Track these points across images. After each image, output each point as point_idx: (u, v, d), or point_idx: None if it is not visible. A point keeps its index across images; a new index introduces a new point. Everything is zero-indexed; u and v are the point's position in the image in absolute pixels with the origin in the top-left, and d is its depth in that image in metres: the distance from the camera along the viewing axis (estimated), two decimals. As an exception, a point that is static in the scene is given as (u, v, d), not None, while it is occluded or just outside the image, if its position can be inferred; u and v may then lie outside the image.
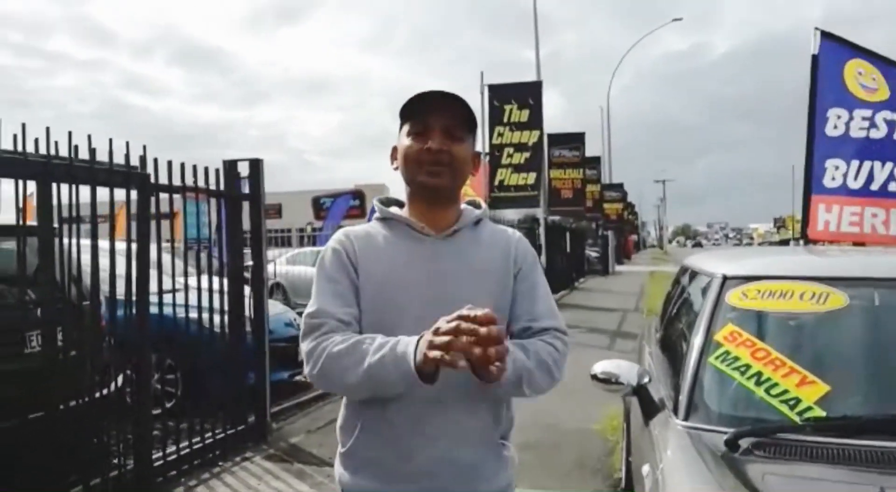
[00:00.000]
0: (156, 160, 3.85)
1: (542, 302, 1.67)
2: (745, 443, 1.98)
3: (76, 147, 3.41)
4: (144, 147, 3.71)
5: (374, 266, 1.56)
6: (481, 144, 12.63)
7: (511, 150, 12.36)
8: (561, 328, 1.66)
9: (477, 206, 1.73)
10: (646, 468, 2.29)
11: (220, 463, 4.50)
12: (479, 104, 12.34)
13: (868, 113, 4.74)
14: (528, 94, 12.40)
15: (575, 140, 19.50)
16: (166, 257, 4.80)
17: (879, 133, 4.72)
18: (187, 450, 4.29)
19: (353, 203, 30.57)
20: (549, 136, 19.33)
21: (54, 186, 3.35)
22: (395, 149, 1.65)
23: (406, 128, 1.59)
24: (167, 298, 4.21)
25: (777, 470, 1.91)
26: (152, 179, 3.81)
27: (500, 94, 12.38)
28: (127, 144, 3.62)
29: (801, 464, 1.88)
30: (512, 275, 1.64)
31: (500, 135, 12.40)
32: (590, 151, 22.21)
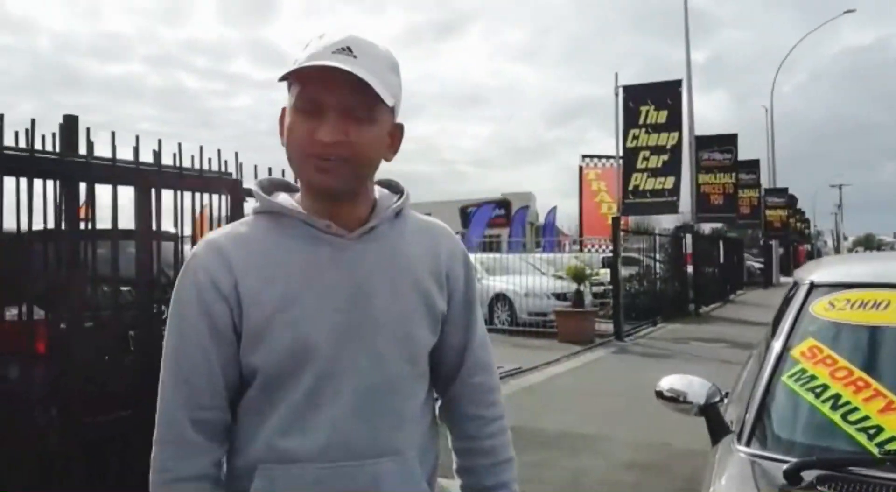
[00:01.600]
0: (247, 165, 4.02)
1: (477, 330, 1.35)
2: (808, 475, 1.69)
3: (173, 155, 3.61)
4: (236, 154, 3.88)
5: (261, 284, 1.13)
6: (615, 147, 12.20)
7: (647, 153, 11.77)
8: (496, 386, 1.38)
9: (396, 189, 1.30)
10: (695, 498, 2.03)
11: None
12: (613, 108, 11.92)
13: None
14: (666, 95, 11.78)
15: (726, 142, 18.30)
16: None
17: None
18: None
19: (497, 212, 30.93)
20: (698, 138, 18.31)
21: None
22: (283, 114, 1.18)
23: (294, 94, 1.13)
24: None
25: (840, 511, 1.61)
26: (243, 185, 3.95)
27: (636, 96, 11.85)
28: (218, 151, 3.80)
29: (872, 505, 1.57)
30: (444, 285, 1.27)
31: (636, 137, 11.85)
32: (754, 154, 20.79)
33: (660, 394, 2.43)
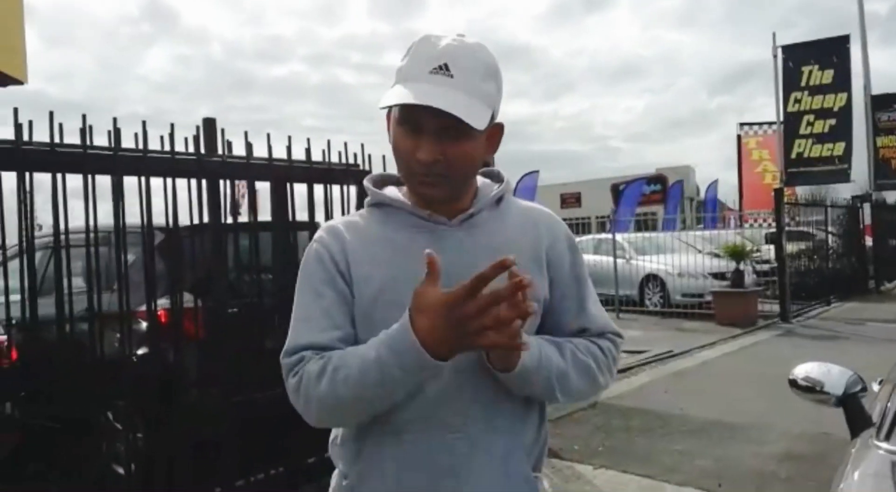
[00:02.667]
0: (370, 156, 4.13)
1: (591, 305, 1.35)
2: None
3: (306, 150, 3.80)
4: (362, 145, 4.00)
5: (370, 269, 1.23)
6: (776, 112, 11.26)
7: (811, 117, 10.71)
8: (616, 331, 1.36)
9: (497, 178, 1.36)
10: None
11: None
12: (772, 69, 10.98)
13: None
14: (832, 52, 10.64)
15: (908, 99, 16.31)
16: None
17: None
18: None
19: (651, 188, 29.71)
20: (875, 97, 16.46)
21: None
22: (388, 115, 1.25)
23: (396, 108, 1.21)
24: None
25: None
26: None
27: (797, 55, 10.80)
28: (345, 144, 3.94)
29: None
30: (544, 267, 1.30)
31: (798, 101, 10.82)
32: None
33: (793, 383, 2.23)
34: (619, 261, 12.22)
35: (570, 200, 35.33)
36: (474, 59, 1.19)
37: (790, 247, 11.87)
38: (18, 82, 4.50)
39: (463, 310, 1.03)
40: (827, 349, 8.01)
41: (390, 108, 1.22)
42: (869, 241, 15.22)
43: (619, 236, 12.74)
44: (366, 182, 1.35)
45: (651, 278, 12.11)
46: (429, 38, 1.21)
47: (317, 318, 1.22)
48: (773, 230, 11.36)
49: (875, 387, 2.54)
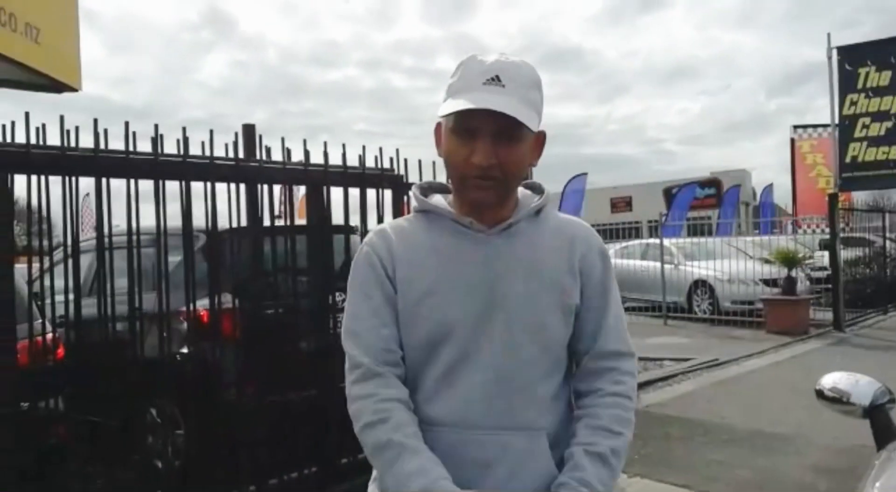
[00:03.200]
0: (407, 161, 4.18)
1: (611, 320, 1.41)
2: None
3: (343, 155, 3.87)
4: (397, 150, 4.06)
5: (414, 272, 1.33)
6: (830, 115, 10.91)
7: (867, 120, 10.32)
8: (629, 353, 1.42)
9: (538, 190, 1.45)
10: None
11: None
12: (827, 71, 10.64)
13: None
14: (890, 52, 10.24)
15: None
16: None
17: None
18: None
19: (705, 191, 29.11)
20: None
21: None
22: (438, 126, 1.36)
23: (451, 118, 1.30)
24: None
25: None
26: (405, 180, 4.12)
27: (854, 56, 10.44)
28: (380, 149, 4.00)
29: None
30: (578, 277, 1.38)
31: (854, 103, 10.44)
32: None
33: (820, 393, 2.17)
34: (667, 266, 12.02)
35: (621, 204, 34.84)
36: (521, 72, 1.29)
37: (846, 254, 11.50)
38: (73, 89, 4.69)
39: None
40: (879, 360, 7.75)
41: (440, 122, 1.34)
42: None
43: (667, 241, 12.53)
44: (413, 190, 1.45)
45: (700, 284, 11.87)
46: (476, 57, 1.31)
47: (366, 318, 1.33)
48: (827, 236, 11.03)
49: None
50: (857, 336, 9.87)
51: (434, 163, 4.45)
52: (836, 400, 2.12)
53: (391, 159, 4.19)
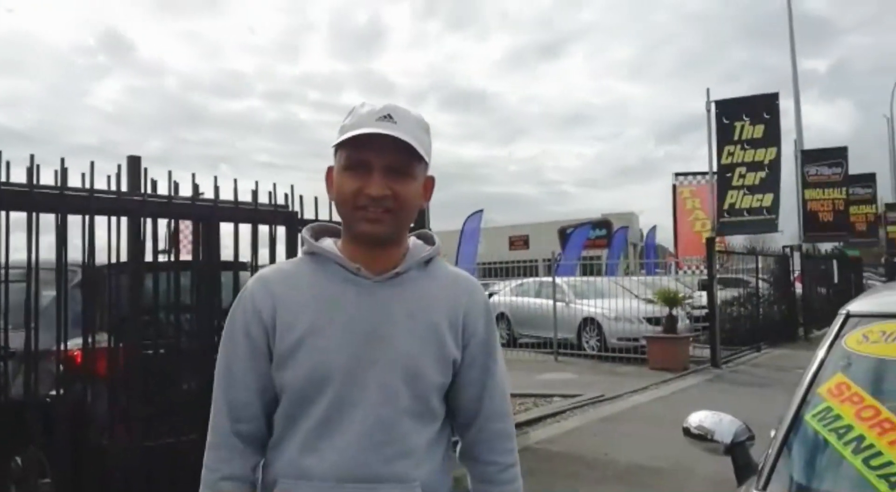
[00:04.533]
0: (302, 197, 4.15)
1: (495, 381, 1.43)
2: (819, 527, 1.55)
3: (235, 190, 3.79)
4: (292, 186, 4.02)
5: (294, 315, 1.31)
6: (709, 164, 11.70)
7: (743, 169, 11.16)
8: (511, 433, 1.47)
9: (429, 240, 1.44)
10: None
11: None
12: (706, 123, 11.44)
13: None
14: (762, 108, 11.17)
15: (835, 155, 17.13)
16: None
17: None
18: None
19: (597, 232, 30.24)
20: (804, 152, 17.30)
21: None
22: (330, 170, 1.37)
23: (343, 156, 1.31)
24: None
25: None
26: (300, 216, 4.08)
27: (730, 110, 11.31)
28: (274, 185, 3.95)
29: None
30: (460, 333, 1.38)
31: (731, 154, 11.27)
32: (877, 167, 19.26)
33: (687, 431, 2.31)
34: (559, 304, 12.38)
35: (519, 242, 35.70)
36: (412, 114, 1.35)
37: (723, 294, 12.18)
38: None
39: None
40: (753, 395, 8.21)
41: (331, 166, 1.36)
42: (799, 289, 15.77)
43: (559, 280, 12.91)
44: (304, 232, 1.42)
45: (589, 322, 12.27)
46: (366, 102, 1.35)
47: (231, 375, 1.35)
48: (706, 277, 11.69)
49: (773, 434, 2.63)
50: (733, 372, 10.44)
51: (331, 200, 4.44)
52: (701, 437, 2.25)
53: (286, 195, 4.14)
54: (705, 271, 11.78)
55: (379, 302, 1.32)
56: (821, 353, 2.08)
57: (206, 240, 3.79)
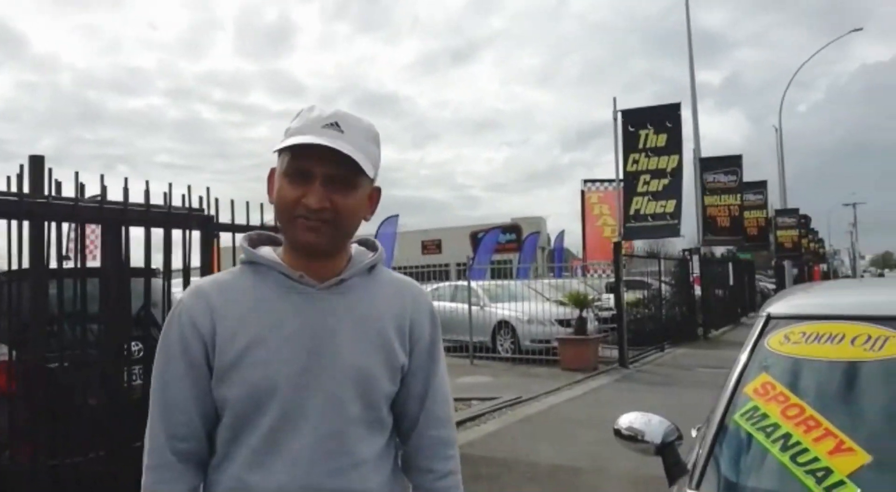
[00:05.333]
0: (218, 200, 4.00)
1: (439, 384, 1.43)
2: (752, 524, 1.60)
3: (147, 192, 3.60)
4: (207, 189, 3.87)
5: (235, 327, 1.26)
6: (615, 170, 12.12)
7: (647, 177, 11.66)
8: (452, 440, 1.45)
9: (371, 247, 1.42)
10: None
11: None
12: (613, 131, 11.86)
13: None
14: (665, 118, 11.70)
15: (731, 163, 18.13)
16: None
17: None
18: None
19: (507, 236, 30.84)
20: (702, 160, 18.20)
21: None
22: (272, 173, 1.32)
23: (285, 161, 1.26)
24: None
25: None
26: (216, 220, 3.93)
27: (635, 119, 11.79)
28: (189, 187, 3.78)
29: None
30: (407, 338, 1.37)
31: (636, 162, 11.76)
32: (767, 174, 20.43)
33: (618, 433, 2.35)
34: (474, 308, 12.47)
35: (431, 246, 35.85)
36: (361, 123, 1.29)
37: (628, 296, 12.62)
38: None
39: None
40: (660, 394, 8.53)
41: (274, 168, 1.30)
42: (698, 291, 16.53)
43: (474, 283, 13.02)
44: (241, 240, 1.38)
45: (503, 325, 12.43)
46: (316, 105, 1.30)
47: (168, 392, 1.28)
48: (613, 280, 12.08)
49: (693, 433, 2.72)
50: (640, 372, 10.83)
51: (248, 203, 4.30)
52: (632, 438, 2.30)
53: (200, 198, 3.98)
54: (611, 275, 12.18)
55: (324, 310, 1.29)
56: (744, 354, 2.16)
57: (116, 244, 3.59)
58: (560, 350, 11.16)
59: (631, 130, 11.83)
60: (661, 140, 11.68)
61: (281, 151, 1.27)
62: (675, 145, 11.74)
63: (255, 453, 1.24)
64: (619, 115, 11.79)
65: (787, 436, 1.80)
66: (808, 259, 35.51)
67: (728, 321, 18.66)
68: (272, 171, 1.32)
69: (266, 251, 1.34)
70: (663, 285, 14.68)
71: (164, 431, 1.27)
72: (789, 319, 2.15)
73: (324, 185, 1.23)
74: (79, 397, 3.54)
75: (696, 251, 16.85)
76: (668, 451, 2.21)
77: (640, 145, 11.79)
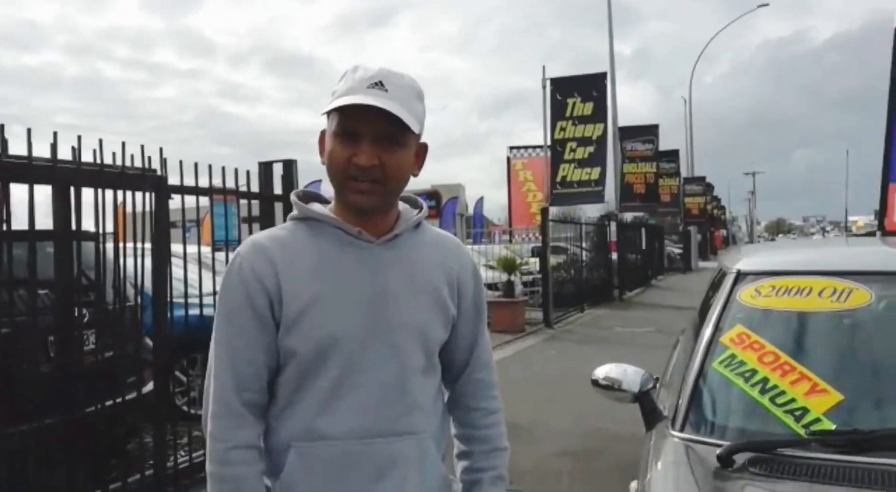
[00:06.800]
0: (187, 161, 3.88)
1: (483, 334, 1.53)
2: (740, 458, 1.76)
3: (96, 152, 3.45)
4: (160, 150, 3.74)
5: (300, 282, 1.30)
6: (543, 138, 12.36)
7: (574, 144, 11.99)
8: (496, 383, 1.56)
9: (415, 204, 1.47)
10: (633, 485, 2.09)
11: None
12: (536, 97, 12.09)
13: None
14: (591, 87, 12.01)
15: (648, 132, 18.83)
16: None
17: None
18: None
19: (428, 203, 30.83)
20: (621, 129, 18.77)
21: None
22: (322, 134, 1.36)
23: (334, 122, 1.30)
24: (209, 300, 4.27)
25: (771, 489, 1.69)
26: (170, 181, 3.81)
27: (563, 88, 12.04)
28: (142, 147, 3.65)
29: (800, 483, 1.65)
30: (456, 291, 1.44)
31: (563, 129, 12.06)
32: (676, 144, 21.39)
33: (595, 382, 2.48)
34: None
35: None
36: (404, 80, 1.33)
37: (551, 260, 13.00)
38: None
39: None
40: (587, 352, 8.90)
41: (324, 129, 1.34)
42: (614, 255, 17.17)
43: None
44: (293, 197, 1.41)
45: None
46: (360, 65, 1.32)
47: (235, 347, 1.31)
48: (538, 245, 12.41)
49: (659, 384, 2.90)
50: (564, 332, 11.24)
51: (196, 164, 4.19)
52: (609, 388, 2.44)
53: (149, 158, 3.83)
54: (537, 238, 12.49)
55: (382, 264, 1.34)
56: (718, 307, 2.32)
57: (66, 206, 3.44)
58: (490, 313, 11.36)
59: (559, 98, 12.08)
60: (588, 109, 11.98)
61: (329, 113, 1.31)
62: (600, 114, 12.08)
63: (322, 401, 1.30)
64: (548, 84, 12.00)
65: (765, 380, 1.97)
66: (711, 225, 37.35)
67: (640, 284, 19.50)
68: (322, 133, 1.35)
69: (318, 207, 1.38)
70: (583, 251, 15.18)
71: (233, 380, 1.30)
72: (758, 275, 2.32)
73: (372, 143, 1.27)
74: (29, 364, 3.41)
75: (614, 217, 17.45)
76: (645, 398, 2.36)
77: (568, 113, 12.06)
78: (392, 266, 1.35)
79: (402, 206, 1.44)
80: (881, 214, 5.04)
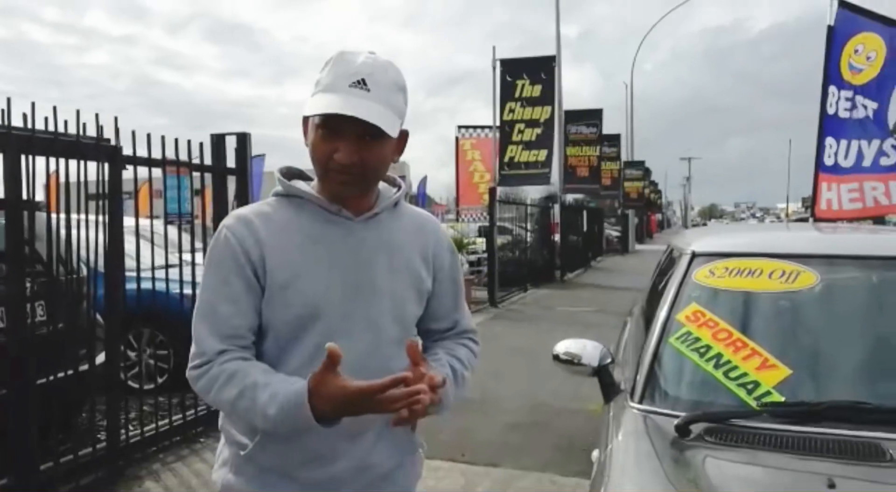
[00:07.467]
0: (124, 131, 3.79)
1: (463, 304, 1.64)
2: (696, 429, 1.88)
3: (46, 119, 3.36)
4: (116, 119, 3.66)
5: (283, 255, 1.36)
6: (492, 118, 12.44)
7: (522, 126, 12.14)
8: (475, 330, 1.68)
9: (394, 183, 1.55)
10: (595, 453, 2.20)
11: (202, 440, 4.49)
12: (490, 79, 12.14)
13: (850, 95, 4.64)
14: (540, 69, 12.15)
15: (593, 116, 19.15)
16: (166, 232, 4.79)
17: (859, 115, 4.62)
18: (166, 427, 4.27)
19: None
20: (567, 112, 19.00)
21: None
22: (306, 119, 1.38)
23: (317, 117, 1.33)
24: (159, 273, 4.22)
25: (725, 457, 1.81)
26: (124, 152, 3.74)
27: (513, 69, 12.14)
28: (97, 116, 3.56)
29: (751, 451, 1.78)
30: (431, 266, 1.53)
31: (512, 111, 12.18)
32: (617, 129, 21.70)
33: (556, 357, 2.59)
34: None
35: (290, 187, 35.01)
36: (387, 76, 1.36)
37: (497, 240, 13.17)
38: None
39: (374, 398, 1.19)
40: (532, 330, 9.10)
41: (306, 117, 1.37)
42: (557, 237, 17.47)
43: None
44: (277, 174, 1.47)
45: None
46: (344, 54, 1.35)
47: (220, 304, 1.34)
48: (485, 224, 12.53)
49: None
50: (509, 310, 11.43)
51: (149, 134, 4.10)
52: (569, 362, 2.55)
53: (101, 127, 3.74)
54: (483, 218, 12.59)
55: (361, 241, 1.41)
56: (674, 286, 2.44)
57: (16, 175, 3.34)
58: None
59: (508, 79, 12.16)
60: (536, 91, 12.11)
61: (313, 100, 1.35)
62: (548, 97, 12.23)
63: (303, 365, 1.34)
64: (498, 64, 12.06)
65: (719, 355, 2.10)
66: (648, 209, 38.29)
67: (581, 265, 19.91)
68: (305, 119, 1.39)
69: (302, 184, 1.44)
70: (526, 232, 15.41)
71: (217, 337, 1.34)
72: (712, 256, 2.45)
73: (353, 141, 1.32)
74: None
75: (557, 199, 17.72)
76: (603, 372, 2.48)
77: (517, 95, 12.16)
78: (371, 243, 1.42)
79: (381, 185, 1.51)
80: (812, 202, 5.32)
